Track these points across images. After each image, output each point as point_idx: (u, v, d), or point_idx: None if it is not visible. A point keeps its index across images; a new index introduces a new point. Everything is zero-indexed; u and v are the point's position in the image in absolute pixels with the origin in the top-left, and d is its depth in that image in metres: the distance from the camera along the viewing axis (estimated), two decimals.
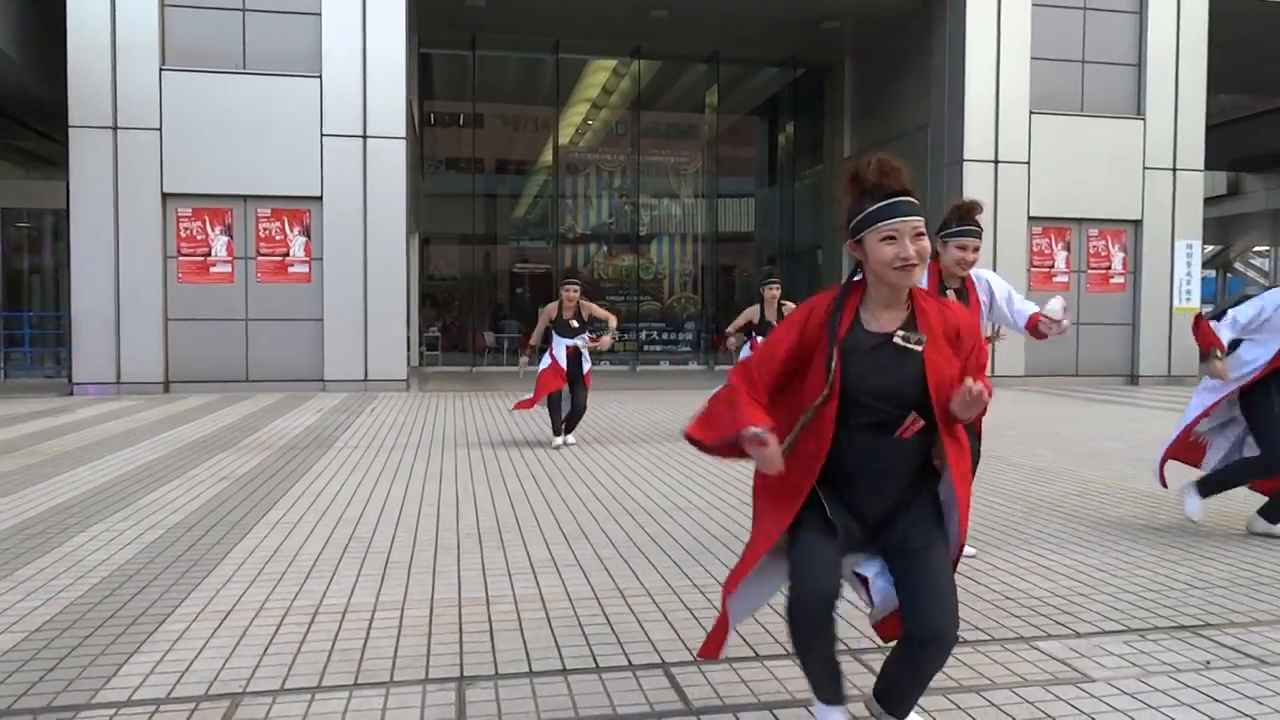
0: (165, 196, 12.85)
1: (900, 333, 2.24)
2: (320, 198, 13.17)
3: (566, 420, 8.19)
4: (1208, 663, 3.05)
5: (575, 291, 8.11)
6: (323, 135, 13.11)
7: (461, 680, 2.88)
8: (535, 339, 8.45)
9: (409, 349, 14.83)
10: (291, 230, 13.23)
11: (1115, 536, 4.78)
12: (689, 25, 17.92)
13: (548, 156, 21.90)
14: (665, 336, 21.73)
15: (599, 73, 22.04)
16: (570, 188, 21.89)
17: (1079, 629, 3.37)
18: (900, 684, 2.34)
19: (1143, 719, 2.62)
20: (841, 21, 17.55)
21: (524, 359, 9.00)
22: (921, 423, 2.22)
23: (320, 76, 13.08)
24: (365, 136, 13.25)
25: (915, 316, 2.27)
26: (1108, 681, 2.89)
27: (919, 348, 2.21)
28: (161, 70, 12.70)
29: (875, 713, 2.43)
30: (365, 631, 3.31)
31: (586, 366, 8.17)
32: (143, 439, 8.22)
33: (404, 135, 13.46)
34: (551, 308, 8.18)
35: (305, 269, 13.31)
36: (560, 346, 8.06)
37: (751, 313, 8.29)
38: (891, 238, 2.21)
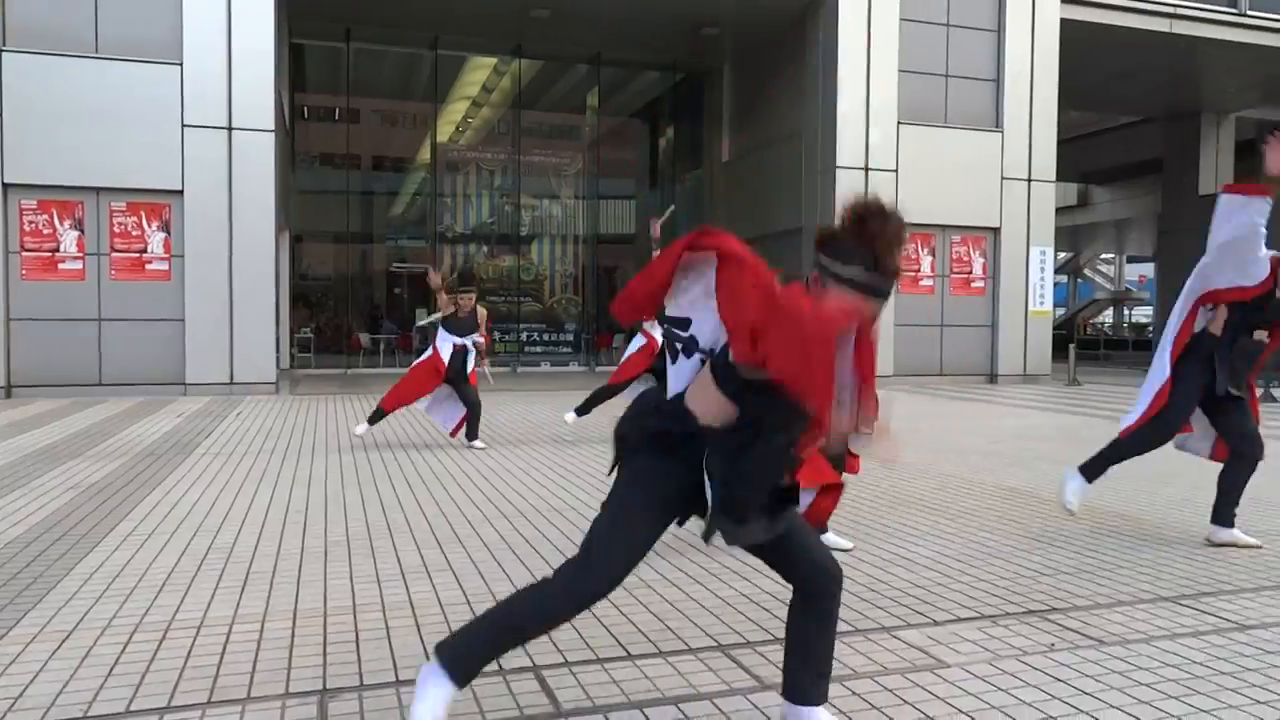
0: (6, 187, 12.02)
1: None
2: (181, 191, 12.55)
3: (466, 425, 7.98)
4: (1052, 645, 3.22)
5: (471, 300, 7.98)
6: (184, 126, 12.50)
7: (324, 693, 2.78)
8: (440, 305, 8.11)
9: (279, 350, 14.29)
10: (149, 225, 12.57)
11: (973, 528, 5.01)
12: (570, 26, 17.91)
13: (426, 154, 21.49)
14: (546, 338, 21.63)
15: (479, 70, 21.77)
16: (449, 186, 21.55)
17: (937, 617, 3.51)
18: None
19: (992, 700, 2.75)
20: (720, 29, 17.86)
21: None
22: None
23: (180, 64, 12.46)
24: (231, 129, 12.69)
25: None
26: (961, 666, 3.01)
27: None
28: (1, 50, 11.86)
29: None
30: (222, 647, 3.16)
31: (470, 366, 7.96)
32: None
33: (273, 128, 12.97)
34: (447, 303, 8.00)
35: (165, 266, 12.66)
36: (447, 343, 7.85)
37: None
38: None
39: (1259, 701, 2.76)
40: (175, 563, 4.20)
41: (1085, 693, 2.82)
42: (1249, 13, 18.35)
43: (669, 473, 2.22)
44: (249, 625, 3.36)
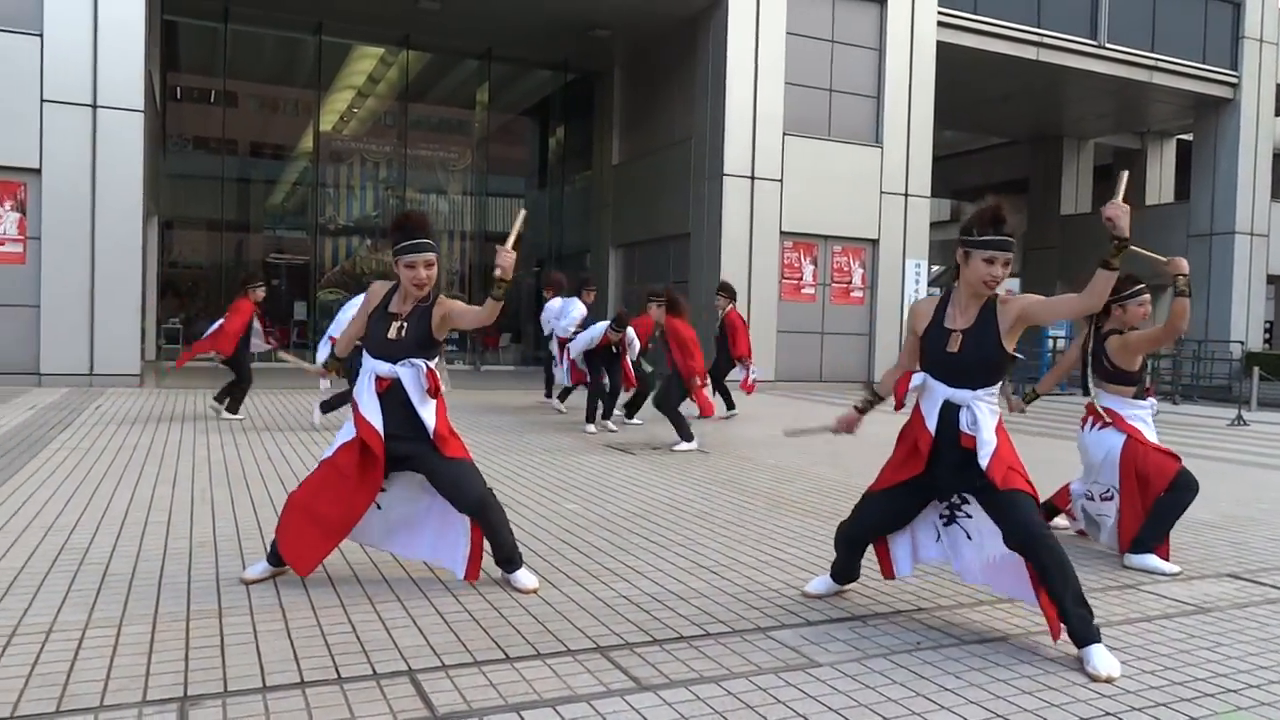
0: None
1: None
2: (39, 170, 11.80)
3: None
4: (918, 644, 3.35)
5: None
6: (43, 100, 11.75)
7: (185, 700, 2.66)
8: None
9: (144, 341, 13.61)
10: (2, 205, 11.76)
11: None
12: (460, 20, 17.66)
13: (308, 142, 20.80)
14: None
15: (365, 60, 21.23)
16: (332, 176, 20.92)
17: (810, 618, 3.61)
18: None
19: (861, 698, 2.85)
20: (612, 31, 17.91)
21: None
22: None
23: (40, 34, 11.72)
24: (95, 106, 12.01)
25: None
26: (833, 665, 3.11)
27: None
28: None
29: None
30: (74, 652, 2.98)
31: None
32: None
33: (142, 108, 12.32)
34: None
35: (19, 249, 11.87)
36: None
37: None
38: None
39: (1128, 691, 2.94)
40: (23, 564, 3.95)
41: (947, 689, 2.94)
42: (1108, 45, 19.56)
43: None
44: (104, 630, 3.19)
